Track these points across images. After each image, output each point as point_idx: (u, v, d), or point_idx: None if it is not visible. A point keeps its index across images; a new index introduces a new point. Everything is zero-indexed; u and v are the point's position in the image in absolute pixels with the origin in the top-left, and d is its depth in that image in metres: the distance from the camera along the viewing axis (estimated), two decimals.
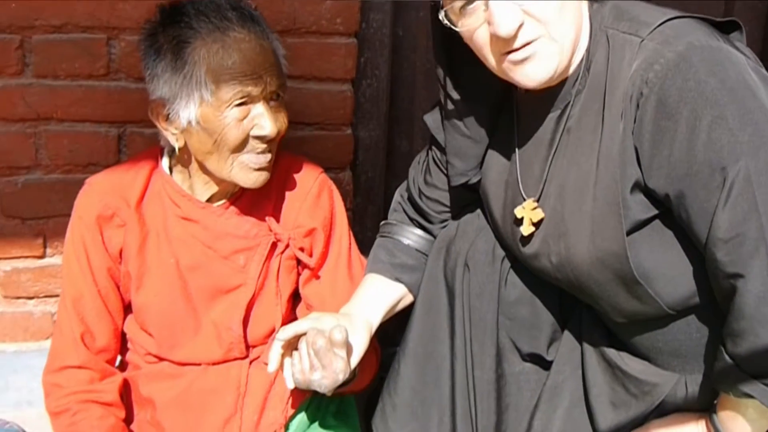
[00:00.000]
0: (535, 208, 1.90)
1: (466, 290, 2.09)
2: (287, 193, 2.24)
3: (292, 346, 2.00)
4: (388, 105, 2.81)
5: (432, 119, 2.15)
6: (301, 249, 2.21)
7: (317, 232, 2.23)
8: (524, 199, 1.93)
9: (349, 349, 1.94)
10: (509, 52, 1.72)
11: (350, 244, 2.32)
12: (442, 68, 1.99)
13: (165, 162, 2.19)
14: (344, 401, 2.37)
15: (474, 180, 2.08)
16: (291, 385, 2.00)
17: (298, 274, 2.28)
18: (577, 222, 1.81)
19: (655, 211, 1.73)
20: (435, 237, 2.22)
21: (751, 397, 1.67)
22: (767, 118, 1.59)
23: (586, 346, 2.03)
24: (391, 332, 2.27)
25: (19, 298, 2.65)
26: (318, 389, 1.93)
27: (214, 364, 2.19)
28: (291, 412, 2.23)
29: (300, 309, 2.30)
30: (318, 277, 2.27)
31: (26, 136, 2.49)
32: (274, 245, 2.18)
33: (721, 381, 1.74)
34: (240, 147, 1.99)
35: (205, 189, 2.13)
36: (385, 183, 2.88)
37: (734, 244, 1.59)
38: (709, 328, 1.82)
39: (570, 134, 1.84)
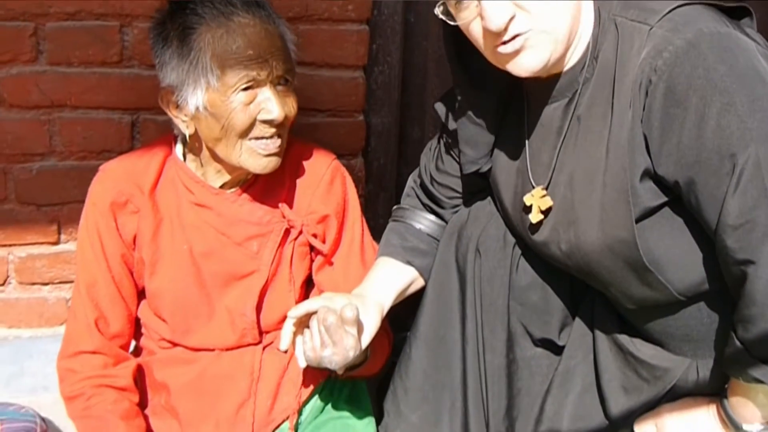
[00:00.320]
0: (543, 196, 1.91)
1: (478, 275, 2.09)
2: (300, 180, 2.24)
3: (303, 324, 2.01)
4: (400, 92, 2.81)
5: (442, 107, 2.16)
6: (314, 235, 2.22)
7: (330, 218, 2.24)
8: (533, 187, 1.94)
9: (360, 328, 1.95)
10: (501, 44, 1.73)
11: (363, 230, 2.33)
12: (450, 57, 1.99)
13: (179, 149, 2.19)
14: (356, 387, 2.38)
15: (485, 168, 2.09)
16: (303, 364, 2.01)
17: (312, 261, 2.29)
18: (586, 210, 1.81)
19: (665, 199, 1.74)
20: (447, 222, 2.23)
21: (761, 382, 1.68)
22: None
23: (597, 331, 2.04)
24: (403, 317, 2.28)
25: (34, 284, 2.67)
26: (329, 366, 1.94)
27: (227, 349, 2.20)
28: (304, 397, 2.24)
29: (313, 295, 2.30)
30: (331, 264, 2.28)
31: (40, 123, 2.51)
32: (287, 232, 2.19)
33: (732, 366, 1.75)
34: (247, 131, 2.00)
35: (217, 177, 2.14)
36: (397, 170, 2.88)
37: (744, 231, 1.60)
38: (719, 314, 1.83)
39: (580, 122, 1.84)
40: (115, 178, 2.16)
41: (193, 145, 2.13)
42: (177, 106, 2.04)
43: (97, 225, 2.15)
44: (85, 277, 2.17)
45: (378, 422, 2.30)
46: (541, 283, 2.07)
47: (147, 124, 2.57)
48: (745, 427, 1.79)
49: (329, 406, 2.31)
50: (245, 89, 1.97)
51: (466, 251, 2.12)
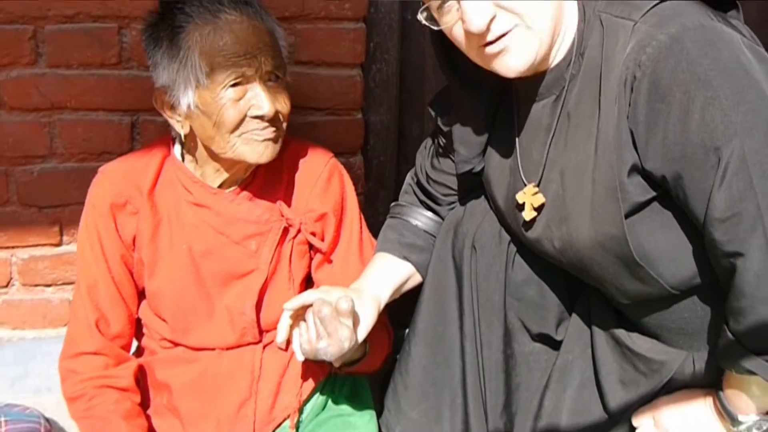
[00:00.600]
0: (536, 193, 1.91)
1: (474, 271, 2.10)
2: (298, 179, 2.25)
3: (300, 318, 2.02)
4: (398, 89, 2.81)
5: (436, 107, 2.16)
6: (313, 233, 2.23)
7: (328, 216, 2.25)
8: (525, 185, 1.95)
9: (356, 321, 1.97)
10: (485, 45, 1.74)
11: (361, 227, 2.34)
12: (440, 60, 2.00)
13: (177, 149, 2.21)
14: (358, 384, 2.39)
15: (478, 168, 2.10)
16: (300, 357, 2.03)
17: (311, 259, 2.30)
18: (577, 206, 1.82)
19: (654, 193, 1.74)
20: (443, 219, 2.24)
21: (753, 373, 1.68)
22: (761, 97, 1.59)
23: (594, 326, 2.04)
24: (403, 315, 2.30)
25: (37, 285, 2.69)
26: (324, 357, 1.95)
27: (228, 348, 2.21)
28: (305, 395, 2.26)
29: None
30: (330, 261, 2.29)
31: (41, 125, 2.52)
32: (285, 230, 2.20)
33: (725, 358, 1.75)
34: (238, 126, 2.00)
35: (216, 176, 2.15)
36: (397, 167, 2.88)
37: (731, 224, 1.60)
38: (713, 307, 1.83)
39: (569, 119, 1.84)
40: (114, 180, 2.18)
41: (190, 144, 2.15)
42: (171, 107, 2.06)
43: (97, 226, 2.16)
44: (85, 279, 2.18)
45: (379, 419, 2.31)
46: (536, 278, 2.08)
47: (146, 126, 2.58)
48: (740, 418, 1.79)
49: (330, 403, 2.32)
50: (234, 85, 1.98)
51: (462, 247, 2.12)
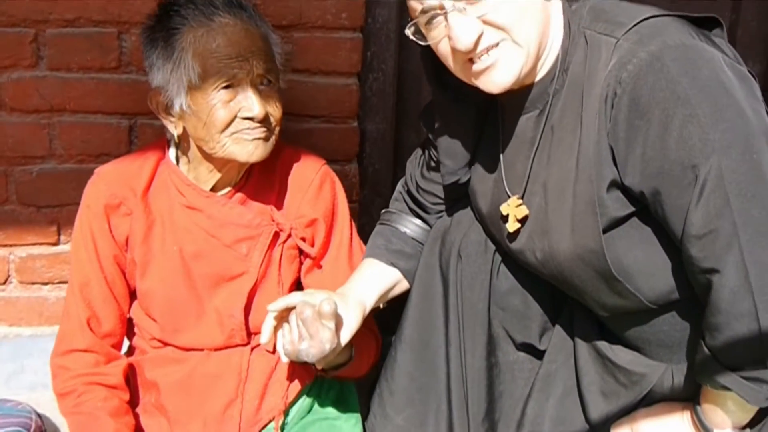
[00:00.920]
0: (519, 205, 1.92)
1: (459, 280, 2.11)
2: (290, 184, 2.27)
3: (284, 319, 2.04)
4: (395, 98, 2.83)
5: (425, 119, 2.18)
6: (303, 239, 2.25)
7: (318, 222, 2.26)
8: (509, 197, 1.96)
9: (339, 324, 1.98)
10: (472, 60, 1.75)
11: (352, 234, 2.36)
12: (428, 75, 2.01)
13: (172, 152, 2.23)
14: (345, 388, 2.41)
15: (464, 179, 2.11)
16: (284, 359, 2.04)
17: (300, 264, 2.32)
18: (559, 219, 1.83)
19: (633, 209, 1.75)
20: (432, 227, 2.25)
21: (728, 389, 1.70)
22: (740, 116, 1.60)
23: (577, 336, 2.06)
24: (391, 322, 2.31)
25: (34, 283, 2.72)
26: (306, 359, 1.96)
27: (216, 349, 2.23)
28: (291, 398, 2.27)
29: None
30: (320, 267, 2.31)
31: (40, 126, 2.56)
32: (276, 235, 2.22)
33: (701, 373, 1.77)
34: (228, 126, 2.02)
35: (209, 177, 2.17)
36: (393, 175, 2.90)
37: (708, 241, 1.61)
38: (692, 321, 1.84)
39: (553, 133, 1.85)
40: (109, 181, 2.20)
41: (184, 145, 2.18)
42: (165, 107, 2.09)
43: (91, 227, 2.18)
44: (78, 277, 2.20)
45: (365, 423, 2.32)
46: (521, 288, 2.09)
47: (144, 129, 2.61)
48: None
49: (316, 406, 2.34)
50: (226, 87, 2.01)
51: (449, 256, 2.14)
